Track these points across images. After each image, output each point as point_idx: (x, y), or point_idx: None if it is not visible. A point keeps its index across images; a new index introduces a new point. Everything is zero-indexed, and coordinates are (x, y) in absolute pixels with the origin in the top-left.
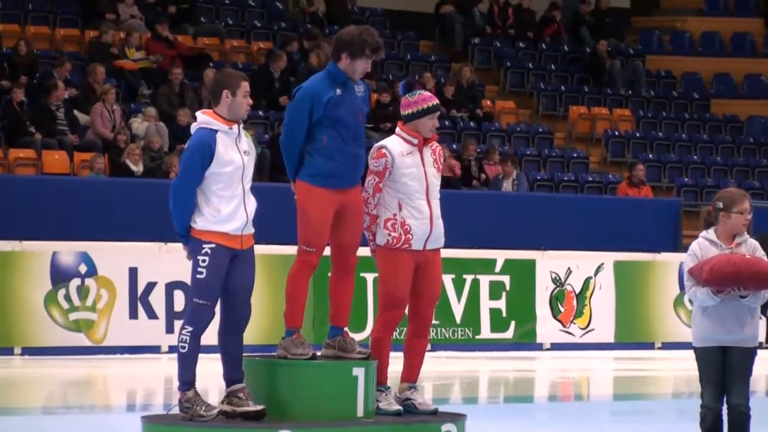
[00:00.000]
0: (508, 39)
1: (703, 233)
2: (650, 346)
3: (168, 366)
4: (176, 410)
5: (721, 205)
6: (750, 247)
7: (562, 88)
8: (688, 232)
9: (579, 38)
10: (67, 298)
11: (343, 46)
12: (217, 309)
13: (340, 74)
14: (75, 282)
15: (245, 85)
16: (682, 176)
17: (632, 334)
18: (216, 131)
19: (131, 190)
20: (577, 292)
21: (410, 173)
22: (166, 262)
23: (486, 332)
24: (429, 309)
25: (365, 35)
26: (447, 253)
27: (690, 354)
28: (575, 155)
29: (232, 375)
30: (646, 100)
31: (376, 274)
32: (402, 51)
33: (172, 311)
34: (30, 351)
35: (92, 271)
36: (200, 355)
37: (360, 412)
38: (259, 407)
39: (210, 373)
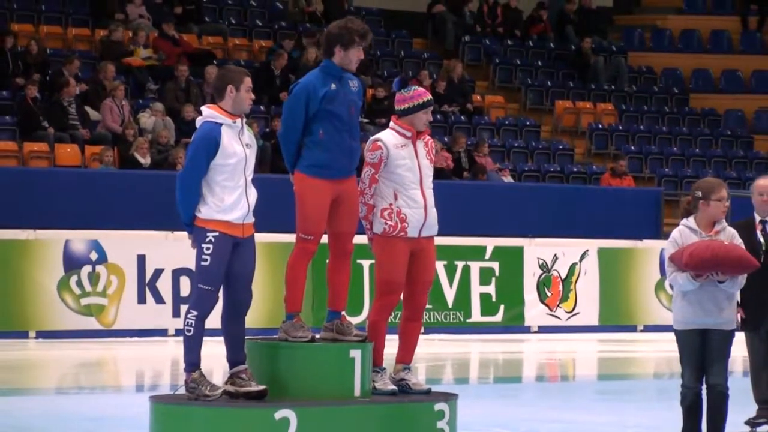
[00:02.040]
0: (497, 37)
1: (684, 221)
2: (633, 328)
3: (174, 348)
4: (182, 390)
5: (700, 194)
6: (728, 234)
7: (549, 83)
8: (668, 220)
9: (564, 36)
10: (79, 284)
11: (334, 40)
12: (221, 294)
13: (334, 69)
14: (86, 269)
15: (248, 81)
16: (663, 167)
17: (615, 318)
18: (221, 124)
19: (139, 182)
20: (563, 277)
21: (404, 164)
22: (172, 250)
23: (476, 316)
24: (423, 294)
25: (350, 24)
26: (439, 240)
27: (671, 336)
28: (561, 147)
29: (235, 357)
30: (628, 94)
31: (373, 261)
32: (396, 48)
33: (178, 296)
34: (44, 334)
35: (103, 259)
36: (205, 338)
37: (357, 392)
38: (261, 387)
39: (214, 355)
